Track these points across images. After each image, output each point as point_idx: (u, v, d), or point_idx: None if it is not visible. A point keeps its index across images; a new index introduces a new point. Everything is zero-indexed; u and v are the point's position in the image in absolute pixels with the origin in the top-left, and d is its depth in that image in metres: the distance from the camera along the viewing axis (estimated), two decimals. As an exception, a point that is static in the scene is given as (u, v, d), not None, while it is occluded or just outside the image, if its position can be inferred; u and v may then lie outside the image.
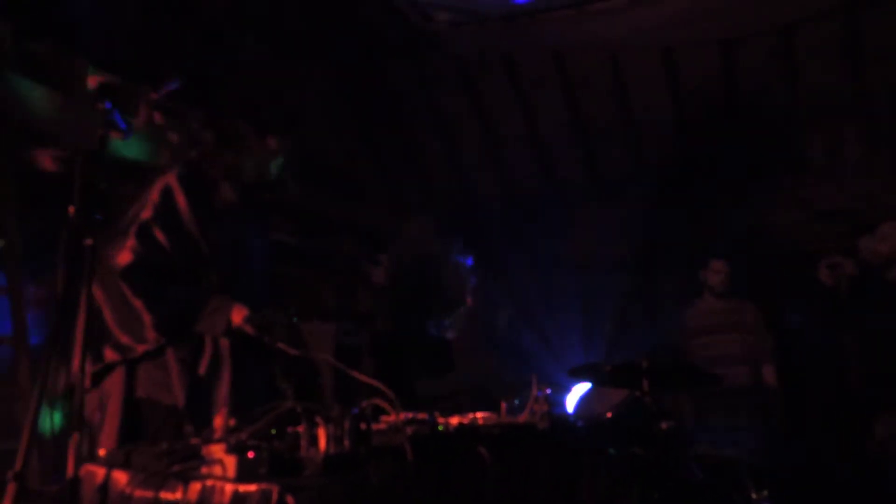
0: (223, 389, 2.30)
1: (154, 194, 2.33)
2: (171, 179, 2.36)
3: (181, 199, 2.33)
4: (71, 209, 1.78)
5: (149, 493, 1.63)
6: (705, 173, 5.71)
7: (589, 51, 5.33)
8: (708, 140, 5.58)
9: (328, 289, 5.33)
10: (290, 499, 1.45)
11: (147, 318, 2.22)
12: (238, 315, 2.24)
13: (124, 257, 2.25)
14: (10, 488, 1.54)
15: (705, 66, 5.27)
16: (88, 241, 1.78)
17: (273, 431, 1.77)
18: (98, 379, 2.33)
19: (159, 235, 2.27)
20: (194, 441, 1.81)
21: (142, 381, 2.31)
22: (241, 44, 4.87)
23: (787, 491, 3.26)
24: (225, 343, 2.31)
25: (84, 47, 3.80)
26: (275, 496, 1.46)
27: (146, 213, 2.30)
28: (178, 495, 1.59)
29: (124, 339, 2.27)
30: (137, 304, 2.22)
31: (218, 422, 1.81)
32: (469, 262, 3.68)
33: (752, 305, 4.60)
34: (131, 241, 2.26)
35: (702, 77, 5.32)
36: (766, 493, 2.79)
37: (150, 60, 4.19)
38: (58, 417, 2.39)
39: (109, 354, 2.30)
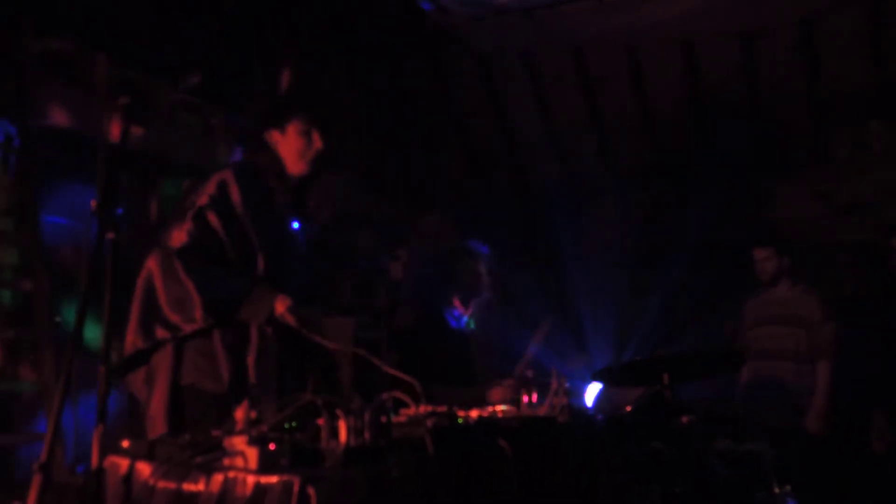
0: (268, 375, 2.36)
1: (211, 186, 2.43)
2: (227, 174, 2.47)
3: (235, 193, 2.43)
4: (93, 203, 1.80)
5: (172, 485, 1.64)
6: (725, 167, 5.65)
7: (608, 44, 5.29)
8: (728, 133, 5.52)
9: (346, 283, 5.35)
10: (311, 490, 1.46)
11: (197, 299, 2.29)
12: (282, 305, 2.31)
13: (180, 238, 2.34)
14: (36, 479, 1.56)
15: (726, 59, 5.21)
16: (110, 236, 1.79)
17: (292, 425, 1.78)
18: (146, 356, 2.40)
19: (213, 221, 2.37)
20: (216, 433, 1.83)
21: (188, 369, 2.38)
22: (259, 40, 4.90)
23: (811, 486, 3.23)
24: (269, 332, 2.38)
25: (104, 43, 3.84)
26: (296, 487, 1.47)
27: (202, 200, 2.39)
28: (201, 486, 1.60)
29: (174, 318, 2.34)
30: (189, 284, 2.29)
31: (240, 413, 1.82)
32: (484, 249, 3.68)
33: (813, 298, 4.28)
34: (188, 224, 2.35)
35: (722, 70, 5.27)
36: (788, 487, 2.76)
37: (169, 56, 4.22)
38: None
39: (159, 332, 2.36)
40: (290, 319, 2.31)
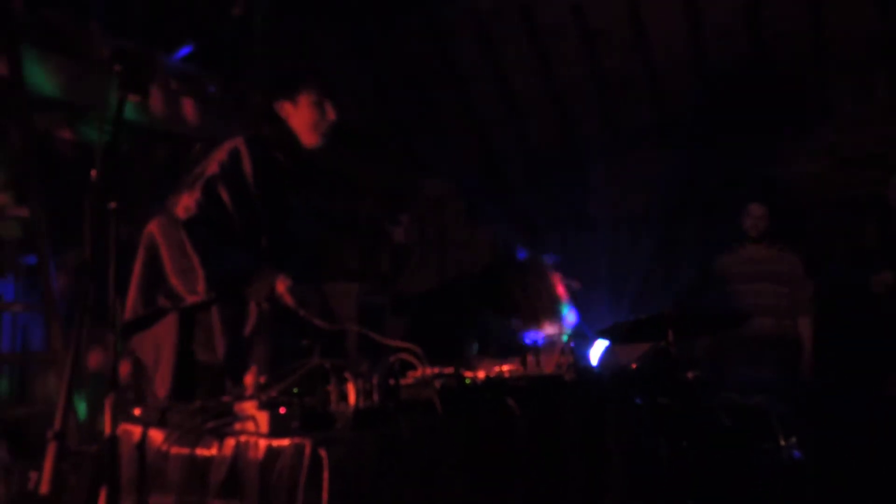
0: (261, 352, 2.35)
1: (223, 154, 2.40)
2: (239, 143, 2.42)
3: (247, 164, 2.39)
4: (93, 173, 1.78)
5: (185, 450, 1.66)
6: (728, 123, 5.59)
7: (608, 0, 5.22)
8: (731, 89, 5.45)
9: (350, 249, 5.36)
10: (322, 452, 1.48)
11: (201, 272, 2.27)
12: (282, 284, 2.30)
13: (189, 208, 2.31)
14: (51, 447, 1.58)
15: (728, 13, 5.12)
16: (112, 205, 1.78)
17: (296, 391, 1.79)
18: (149, 322, 2.40)
19: (223, 193, 2.34)
20: (226, 399, 1.85)
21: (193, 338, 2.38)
22: (254, 6, 4.82)
23: (816, 442, 3.26)
24: (266, 308, 2.37)
25: (97, 12, 3.78)
26: (308, 450, 1.49)
27: (213, 170, 2.36)
28: (214, 451, 1.62)
29: (177, 288, 2.33)
30: (194, 257, 2.27)
31: (249, 379, 1.84)
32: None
33: (792, 255, 4.42)
34: (197, 195, 2.32)
35: (725, 25, 5.18)
36: (794, 439, 2.79)
37: (164, 25, 4.16)
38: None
39: (161, 300, 2.36)
40: (289, 300, 2.29)
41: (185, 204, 2.32)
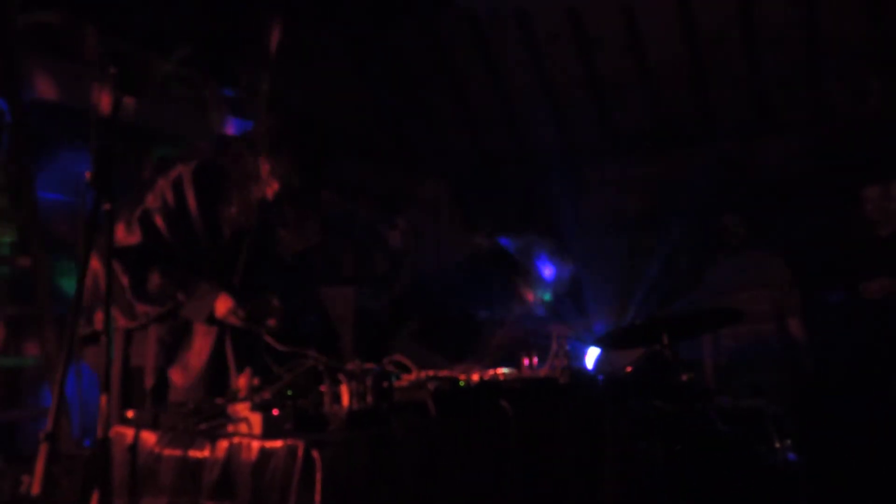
0: (193, 372, 2.32)
1: (165, 186, 2.32)
2: (184, 174, 2.33)
3: (191, 195, 2.31)
4: (88, 175, 1.78)
5: (177, 452, 1.66)
6: (722, 125, 5.61)
7: (603, 4, 5.23)
8: (725, 91, 5.47)
9: (346, 254, 5.35)
10: (315, 453, 1.47)
11: (132, 297, 2.27)
12: (222, 306, 2.23)
13: (125, 238, 2.28)
14: (43, 448, 1.57)
15: (723, 15, 5.14)
16: (107, 206, 1.78)
17: (289, 392, 1.79)
18: (89, 342, 2.44)
19: (160, 225, 2.29)
20: (218, 401, 1.84)
21: (137, 350, 2.37)
22: (250, 9, 4.83)
23: (813, 444, 3.26)
24: (211, 330, 2.32)
25: (93, 15, 3.78)
26: (300, 451, 1.48)
27: (151, 203, 2.30)
28: (206, 453, 1.62)
29: (116, 314, 2.32)
30: (125, 281, 2.26)
31: (242, 381, 1.83)
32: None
33: (778, 259, 4.51)
34: (134, 226, 2.28)
35: (719, 27, 5.20)
36: (789, 442, 2.79)
37: (159, 27, 4.16)
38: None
39: (98, 323, 2.39)
40: (233, 320, 2.23)
41: (121, 234, 2.27)
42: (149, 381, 2.30)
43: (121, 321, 2.32)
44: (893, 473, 3.65)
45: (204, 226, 2.32)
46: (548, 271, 3.45)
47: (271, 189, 2.34)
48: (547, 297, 3.46)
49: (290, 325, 2.32)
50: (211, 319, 2.26)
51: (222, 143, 2.50)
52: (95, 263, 2.29)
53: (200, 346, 2.33)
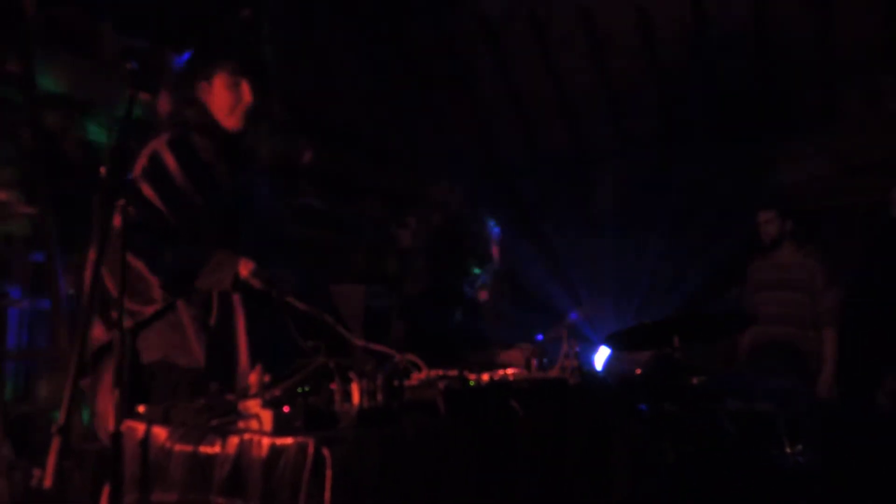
0: (241, 343, 2.27)
1: (143, 159, 2.29)
2: (158, 145, 2.31)
3: (170, 160, 2.28)
4: (102, 170, 1.79)
5: (188, 448, 1.66)
6: (736, 128, 5.59)
7: (617, 6, 5.22)
8: (739, 94, 5.44)
9: (357, 252, 5.36)
10: (326, 451, 1.47)
11: (153, 279, 2.20)
12: (245, 268, 2.21)
13: (117, 219, 2.23)
14: (55, 442, 1.58)
15: (736, 19, 5.12)
16: (121, 202, 1.78)
17: (305, 389, 1.79)
18: (110, 346, 2.28)
19: (148, 192, 2.23)
20: (229, 397, 1.84)
21: (156, 343, 2.29)
22: (265, 8, 4.84)
23: (824, 449, 3.24)
24: (236, 297, 2.28)
25: (107, 11, 3.80)
26: (311, 448, 1.48)
27: (133, 174, 2.25)
28: (217, 449, 1.62)
29: (131, 305, 2.24)
30: (139, 265, 2.19)
31: (253, 378, 1.84)
32: (494, 228, 3.63)
33: (815, 263, 4.24)
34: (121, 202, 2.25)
35: (733, 29, 5.18)
36: (800, 447, 2.77)
37: (172, 24, 4.18)
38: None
39: (125, 319, 2.28)
40: (256, 283, 2.20)
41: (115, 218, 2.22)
42: (201, 361, 2.22)
43: (138, 310, 2.24)
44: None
45: (192, 190, 2.28)
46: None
47: (233, 108, 2.33)
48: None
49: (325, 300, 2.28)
50: (235, 284, 2.22)
51: (185, 99, 2.41)
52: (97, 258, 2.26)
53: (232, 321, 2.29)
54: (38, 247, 3.50)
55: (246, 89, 2.33)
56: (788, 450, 2.74)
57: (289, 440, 1.53)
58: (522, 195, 6.20)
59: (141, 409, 1.87)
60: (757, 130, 5.60)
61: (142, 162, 2.28)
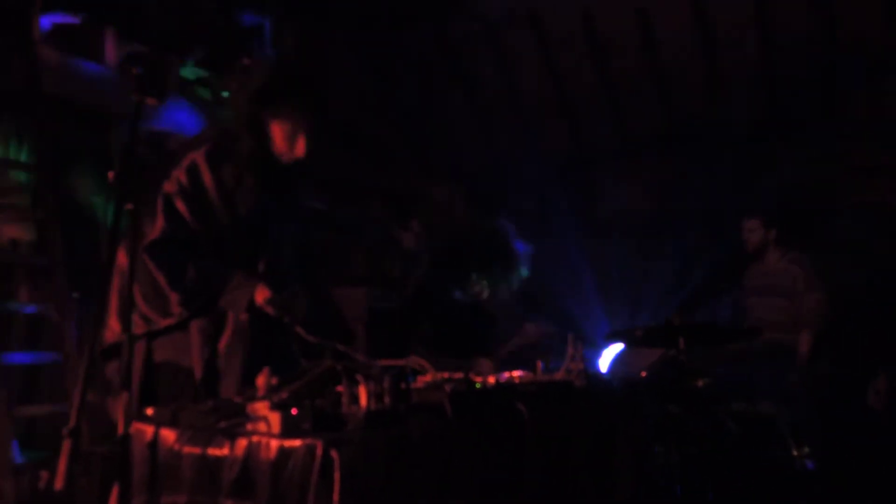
0: (236, 362, 2.31)
1: (180, 171, 2.33)
2: (198, 157, 2.35)
3: (207, 177, 2.32)
4: (111, 175, 1.80)
5: (197, 450, 1.67)
6: (738, 129, 5.59)
7: (617, 6, 5.23)
8: (742, 95, 5.45)
9: (359, 254, 5.37)
10: (334, 452, 1.48)
11: (171, 294, 2.24)
12: (260, 295, 2.25)
13: (150, 233, 2.27)
14: (66, 445, 1.59)
15: (739, 20, 5.13)
16: (129, 206, 1.80)
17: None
18: (111, 355, 2.36)
19: (181, 208, 2.28)
20: (238, 399, 1.86)
21: (164, 344, 2.34)
22: (264, 11, 4.86)
23: (825, 449, 3.24)
24: (244, 318, 2.32)
25: (111, 17, 3.82)
26: (319, 450, 1.49)
27: (170, 188, 2.31)
28: (226, 451, 1.63)
29: (149, 313, 2.30)
30: (161, 278, 2.24)
31: (260, 381, 1.85)
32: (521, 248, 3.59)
33: (798, 269, 4.39)
34: (158, 217, 2.27)
35: (735, 30, 5.19)
36: (807, 449, 2.77)
37: (176, 29, 4.20)
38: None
39: (137, 326, 2.32)
40: (270, 310, 2.24)
41: (147, 225, 2.26)
42: (198, 374, 2.27)
43: (154, 318, 2.29)
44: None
45: (223, 207, 2.31)
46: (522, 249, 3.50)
47: (282, 145, 2.35)
48: (525, 273, 3.48)
49: (334, 313, 2.33)
50: (249, 308, 2.26)
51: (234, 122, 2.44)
52: (123, 260, 2.30)
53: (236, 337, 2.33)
54: (43, 251, 3.51)
55: (301, 143, 2.35)
56: (795, 453, 2.74)
57: (297, 442, 1.53)
58: (524, 195, 6.20)
59: (149, 411, 1.88)
60: (759, 131, 5.60)
61: (179, 172, 2.32)
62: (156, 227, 2.27)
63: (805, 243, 4.64)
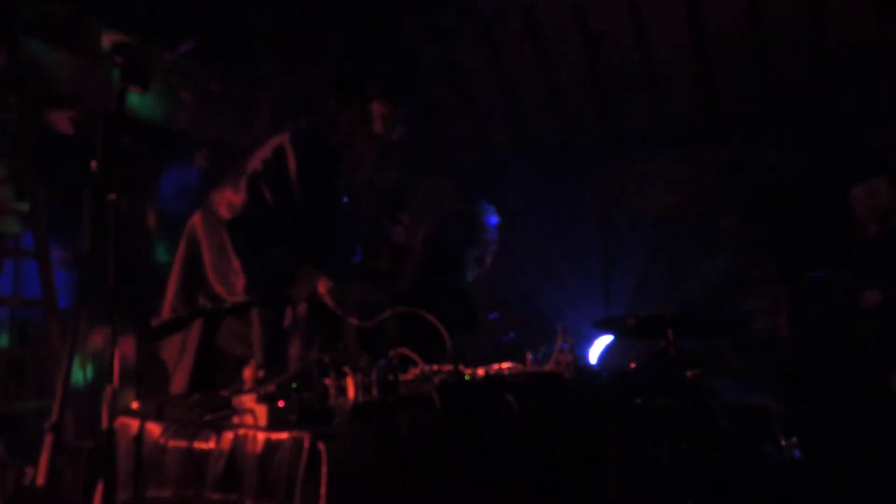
0: (294, 350, 2.36)
1: (267, 151, 2.36)
2: (285, 140, 2.38)
3: (292, 161, 2.35)
4: (94, 164, 1.78)
5: (183, 443, 1.65)
6: (728, 124, 5.60)
7: (610, 2, 5.22)
8: (733, 90, 5.45)
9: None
10: (321, 445, 1.47)
11: (242, 276, 2.26)
12: (323, 286, 2.29)
13: (232, 208, 2.29)
14: (48, 439, 1.57)
15: (730, 15, 5.12)
16: (112, 197, 1.77)
17: (294, 385, 1.79)
18: (183, 322, 2.39)
19: (266, 192, 2.31)
20: (223, 393, 1.84)
21: (220, 331, 2.38)
22: (255, 5, 4.82)
23: (810, 440, 3.25)
24: (303, 308, 2.37)
25: (97, 7, 3.78)
26: (306, 443, 1.48)
27: (256, 167, 2.33)
28: (212, 444, 1.61)
29: (218, 289, 2.32)
30: (235, 260, 2.26)
31: (247, 373, 1.83)
32: (493, 220, 3.62)
33: (766, 260, 4.53)
34: (242, 194, 2.29)
35: (726, 26, 5.18)
36: (795, 440, 2.78)
37: (164, 22, 4.15)
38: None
39: (202, 301, 2.35)
40: (328, 300, 2.29)
41: (230, 202, 2.29)
42: (258, 360, 2.27)
43: (224, 297, 2.31)
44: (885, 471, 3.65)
45: (303, 192, 2.34)
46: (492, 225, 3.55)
47: (384, 133, 2.45)
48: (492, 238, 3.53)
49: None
50: (310, 297, 2.32)
51: (322, 114, 2.51)
52: (199, 231, 2.34)
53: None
54: (29, 243, 3.48)
55: (397, 127, 2.50)
56: (783, 443, 2.75)
57: (284, 435, 1.52)
58: (514, 189, 6.19)
59: (134, 405, 1.86)
60: (750, 126, 5.60)
61: (264, 153, 2.35)
62: (236, 204, 2.29)
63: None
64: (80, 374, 3.34)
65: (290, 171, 2.34)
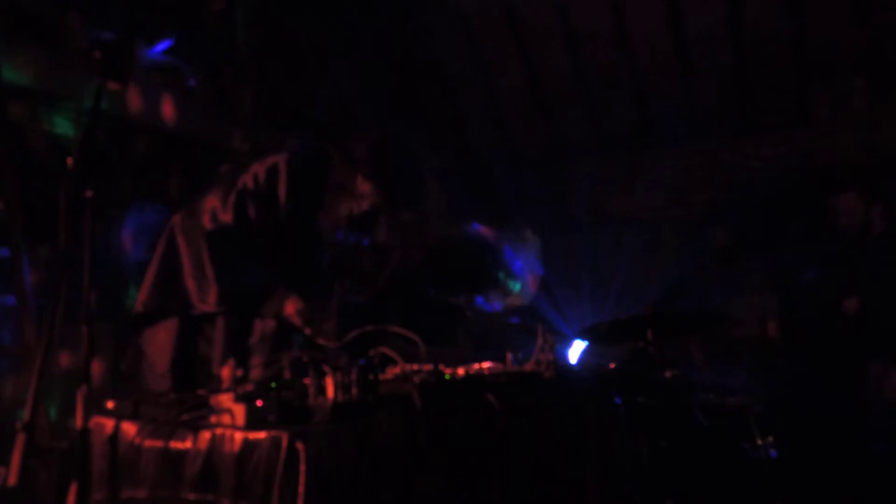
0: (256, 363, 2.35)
1: (261, 168, 2.36)
2: (281, 161, 2.37)
3: (283, 184, 2.35)
4: (70, 161, 1.75)
5: (159, 443, 1.63)
6: (709, 126, 5.64)
7: (592, 1, 5.24)
8: (712, 91, 5.50)
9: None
10: (299, 445, 1.46)
11: (214, 287, 2.28)
12: (292, 306, 2.30)
13: (215, 219, 2.31)
14: (20, 439, 1.55)
15: (710, 17, 5.17)
16: (88, 193, 1.75)
17: (273, 385, 1.77)
18: (158, 317, 2.39)
19: (251, 210, 2.32)
20: (201, 392, 1.82)
21: (198, 331, 2.40)
22: (238, 1, 4.79)
23: (791, 437, 3.29)
24: (270, 324, 2.38)
25: (76, 3, 3.73)
26: (284, 442, 1.46)
27: (247, 184, 2.34)
28: (189, 444, 1.59)
29: (191, 292, 2.32)
30: (210, 270, 2.27)
31: (225, 372, 1.81)
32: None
33: (755, 265, 4.59)
34: (228, 211, 2.30)
35: (707, 28, 5.23)
36: (771, 439, 2.81)
37: (143, 18, 4.11)
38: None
39: (172, 303, 2.36)
40: (297, 321, 2.31)
41: (214, 213, 2.30)
42: (215, 369, 2.28)
43: (194, 304, 2.31)
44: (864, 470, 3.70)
45: (289, 218, 2.36)
46: (522, 264, 3.49)
47: (362, 207, 2.41)
48: (517, 287, 3.47)
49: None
50: (277, 316, 2.34)
51: (317, 144, 2.51)
52: (179, 234, 2.33)
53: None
54: (2, 242, 3.42)
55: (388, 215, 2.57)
56: (760, 442, 2.78)
57: (262, 434, 1.51)
58: (497, 189, 6.20)
59: (110, 404, 1.83)
60: (730, 128, 5.65)
61: (258, 170, 2.35)
62: (222, 217, 2.30)
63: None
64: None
65: (279, 195, 2.35)
